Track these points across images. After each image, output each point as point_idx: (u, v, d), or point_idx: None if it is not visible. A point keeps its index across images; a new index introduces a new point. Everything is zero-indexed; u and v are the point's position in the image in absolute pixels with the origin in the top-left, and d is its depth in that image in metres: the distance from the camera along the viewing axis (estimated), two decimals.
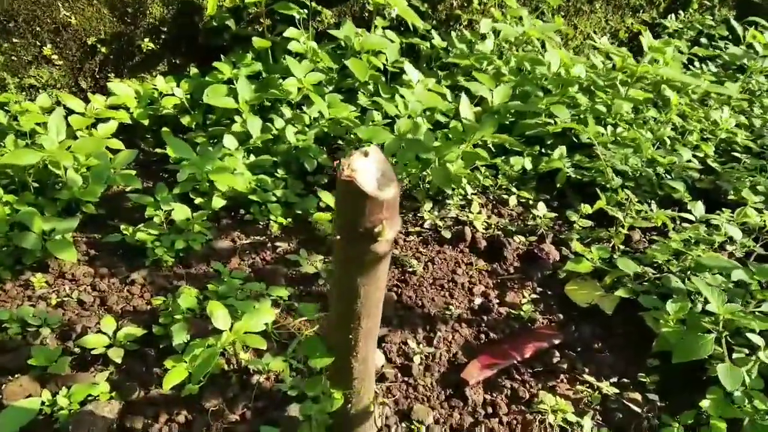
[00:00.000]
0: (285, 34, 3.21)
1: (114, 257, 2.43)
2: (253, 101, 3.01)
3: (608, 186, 3.00)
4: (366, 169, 1.06)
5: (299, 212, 2.77)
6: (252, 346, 1.88)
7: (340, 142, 3.26)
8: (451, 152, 2.84)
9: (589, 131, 3.02)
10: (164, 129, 3.06)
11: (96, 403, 1.73)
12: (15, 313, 2.00)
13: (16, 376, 1.81)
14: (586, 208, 2.80)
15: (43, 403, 1.70)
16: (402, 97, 3.04)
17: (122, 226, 2.49)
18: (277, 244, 2.61)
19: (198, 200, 2.66)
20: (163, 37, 3.24)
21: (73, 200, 2.52)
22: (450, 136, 3.05)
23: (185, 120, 3.10)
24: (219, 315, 1.84)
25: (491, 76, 3.43)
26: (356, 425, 1.63)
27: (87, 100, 3.07)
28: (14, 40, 2.90)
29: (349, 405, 1.52)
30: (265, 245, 2.60)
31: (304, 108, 3.17)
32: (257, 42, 3.15)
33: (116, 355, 1.90)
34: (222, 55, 3.25)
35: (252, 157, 2.90)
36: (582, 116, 3.38)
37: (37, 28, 2.92)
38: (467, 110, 3.11)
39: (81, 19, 2.99)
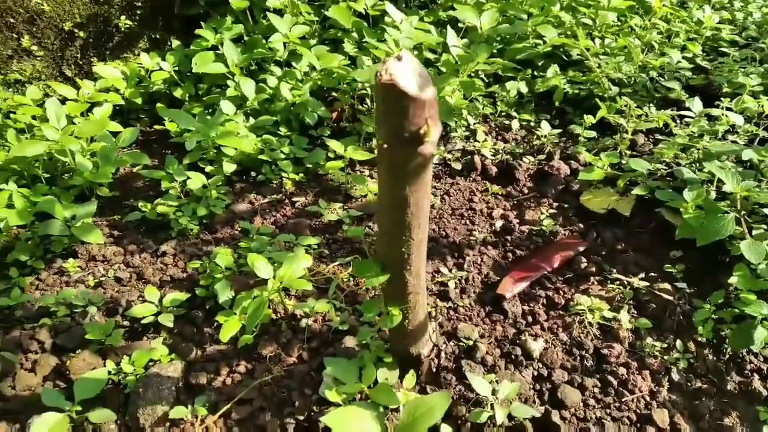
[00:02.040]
0: None
1: (138, 234, 2.49)
2: (242, 63, 3.03)
3: (606, 96, 3.08)
4: (403, 72, 1.11)
5: (309, 166, 2.83)
6: (298, 289, 1.97)
7: (333, 93, 3.30)
8: (448, 84, 2.90)
9: (580, 45, 3.08)
10: (159, 105, 3.08)
11: (159, 366, 1.82)
12: (59, 297, 2.07)
13: (77, 352, 1.89)
14: (589, 119, 2.88)
15: (109, 373, 1.79)
16: (390, 37, 3.07)
17: (140, 204, 2.54)
18: (294, 199, 2.68)
19: (208, 168, 2.70)
20: (138, 12, 3.23)
21: (86, 185, 2.55)
22: (444, 69, 3.09)
23: (177, 93, 3.11)
24: (261, 265, 1.92)
25: (473, 6, 3.45)
26: (414, 341, 1.74)
27: (77, 87, 3.07)
28: None
29: (407, 321, 1.62)
30: (282, 202, 2.67)
31: (293, 64, 3.19)
32: (235, 3, 3.15)
33: (167, 320, 1.98)
34: (202, 23, 3.24)
35: (251, 120, 2.94)
36: (568, 34, 3.43)
37: (11, 20, 2.90)
38: (455, 42, 3.15)
39: (54, 4, 2.96)
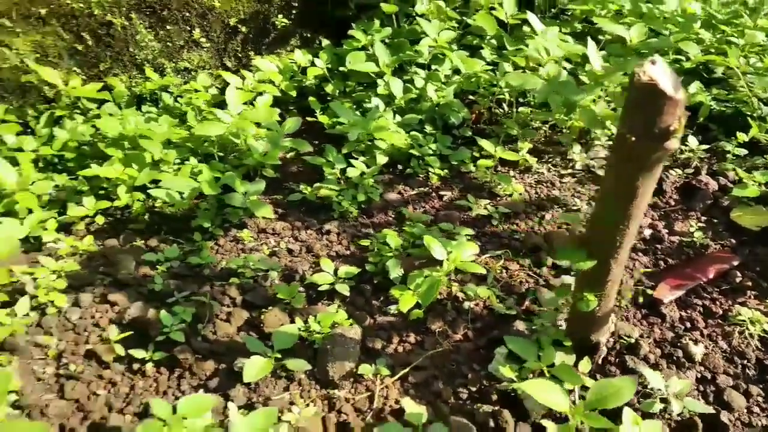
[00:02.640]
0: None
1: (300, 213, 2.71)
2: (393, 64, 3.25)
3: (755, 115, 3.09)
4: (659, 74, 1.26)
5: (455, 163, 3.00)
6: (470, 272, 2.13)
7: (470, 96, 3.47)
8: (592, 94, 3.00)
9: (729, 62, 3.12)
10: (311, 98, 3.34)
11: (342, 328, 2.01)
12: (246, 261, 2.31)
13: (269, 308, 2.11)
14: (741, 137, 2.91)
15: (299, 329, 1.99)
16: (538, 45, 3.21)
17: (301, 187, 2.78)
18: (441, 192, 2.84)
19: (360, 159, 2.91)
20: (294, 12, 3.52)
21: (255, 166, 2.81)
22: (587, 79, 3.20)
23: (328, 88, 3.36)
24: (436, 248, 2.08)
25: (611, 19, 3.56)
26: (597, 327, 1.85)
27: (242, 78, 3.38)
28: (168, 27, 3.22)
29: (597, 307, 1.73)
30: (429, 195, 2.84)
31: (435, 67, 3.39)
32: (385, 7, 3.38)
33: (343, 289, 2.17)
34: (353, 24, 3.50)
35: (397, 117, 3.14)
36: (711, 51, 3.47)
37: (187, 14, 3.24)
38: (595, 54, 3.25)
39: (223, 1, 3.28)
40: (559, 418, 1.78)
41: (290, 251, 2.47)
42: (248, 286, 2.23)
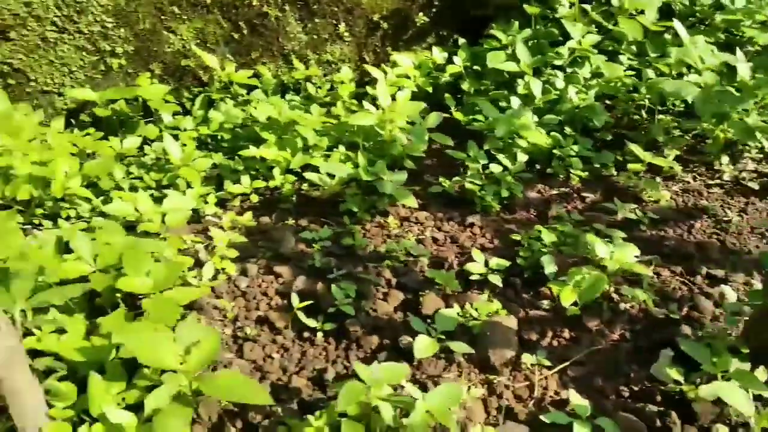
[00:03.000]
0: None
1: (440, 205, 2.79)
2: (533, 65, 3.28)
3: None
4: None
5: (597, 166, 2.99)
6: (626, 274, 2.13)
7: (607, 101, 3.45)
8: (746, 105, 2.92)
9: None
10: (447, 95, 3.42)
11: (499, 317, 2.06)
12: (398, 246, 2.40)
13: (426, 292, 2.19)
14: None
15: (457, 314, 2.05)
16: (691, 52, 3.15)
17: (441, 179, 2.85)
18: (584, 194, 2.84)
19: (499, 156, 2.95)
20: (434, 10, 3.61)
21: (398, 157, 2.91)
22: (733, 90, 3.11)
23: (464, 85, 3.43)
24: (599, 247, 2.10)
25: (762, 29, 3.44)
26: None
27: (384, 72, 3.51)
28: (316, 20, 3.39)
29: None
30: (570, 196, 2.85)
31: (576, 69, 3.39)
32: (529, 9, 3.42)
33: (496, 280, 2.22)
34: (492, 24, 3.55)
35: (535, 117, 3.16)
36: None
37: (335, 8, 3.39)
38: (744, 64, 3.16)
39: None
40: (730, 425, 1.75)
41: (435, 240, 2.55)
42: (401, 270, 2.32)
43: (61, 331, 1.72)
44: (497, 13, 3.66)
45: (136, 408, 1.53)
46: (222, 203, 2.80)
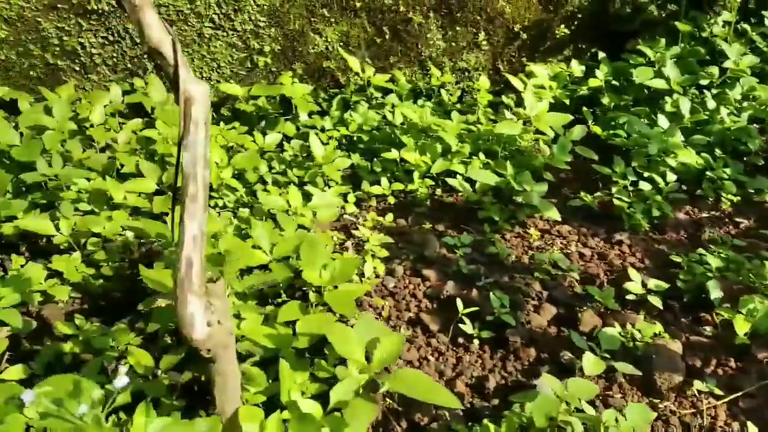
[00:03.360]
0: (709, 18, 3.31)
1: (581, 219, 2.73)
2: (683, 83, 3.16)
3: None
4: None
5: (750, 191, 2.84)
6: None
7: (756, 125, 3.27)
8: None
9: None
10: (585, 109, 3.35)
11: (663, 339, 1.98)
12: (549, 257, 2.37)
13: (583, 308, 2.14)
14: None
15: (620, 333, 1.99)
16: None
17: (582, 194, 2.79)
18: (737, 219, 2.71)
19: (645, 174, 2.86)
20: (575, 23, 3.55)
21: (539, 168, 2.87)
22: None
23: (604, 100, 3.35)
24: None
25: None
26: None
27: (506, 82, 3.50)
28: (457, 28, 3.41)
29: None
30: (722, 220, 2.72)
31: (726, 90, 3.23)
32: (681, 26, 3.30)
33: (656, 301, 2.14)
34: (630, 39, 3.46)
35: (682, 137, 3.04)
36: None
37: (477, 17, 3.40)
38: None
39: (513, 8, 3.41)
40: None
41: (582, 255, 2.49)
42: (549, 283, 2.28)
43: (237, 316, 1.80)
44: (641, 29, 3.56)
45: (316, 398, 1.57)
46: (358, 203, 2.85)
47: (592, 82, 3.33)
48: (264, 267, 2.03)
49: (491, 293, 2.11)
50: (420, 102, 3.47)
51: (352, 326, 1.62)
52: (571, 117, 2.93)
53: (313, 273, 1.77)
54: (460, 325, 1.99)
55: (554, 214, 2.61)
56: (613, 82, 3.47)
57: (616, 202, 2.67)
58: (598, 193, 2.79)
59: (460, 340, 2.02)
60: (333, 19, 3.25)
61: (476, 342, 2.00)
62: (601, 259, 2.47)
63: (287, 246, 1.92)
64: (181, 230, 1.27)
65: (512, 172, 2.62)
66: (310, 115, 3.30)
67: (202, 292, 1.26)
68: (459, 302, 1.96)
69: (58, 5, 2.95)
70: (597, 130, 3.19)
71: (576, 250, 2.52)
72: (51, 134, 2.55)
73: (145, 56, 3.17)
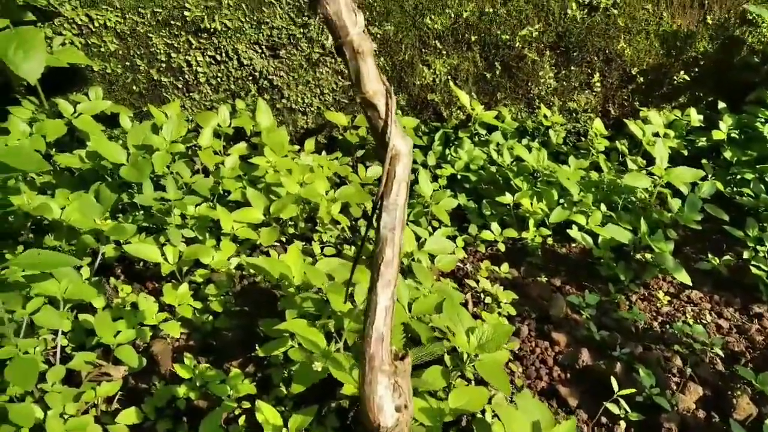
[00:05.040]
0: None
1: (711, 286, 2.55)
2: None
3: None
4: None
5: None
6: None
7: None
8: None
9: None
10: (703, 161, 3.18)
11: None
12: (681, 328, 2.20)
13: (735, 392, 1.97)
14: None
15: None
16: None
17: (709, 256, 2.62)
18: None
19: None
20: (696, 69, 3.39)
21: (666, 224, 2.71)
22: None
23: (727, 154, 3.17)
24: None
25: None
26: None
27: (615, 125, 3.36)
28: (571, 67, 3.29)
29: None
30: None
31: None
32: None
33: None
34: (753, 89, 3.29)
35: None
36: None
37: (594, 58, 3.27)
38: None
39: (633, 51, 3.27)
40: None
41: (719, 328, 2.32)
42: (690, 358, 2.11)
43: None
44: (766, 80, 3.38)
45: None
46: (465, 247, 2.73)
47: (716, 135, 3.15)
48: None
49: (639, 369, 1.95)
50: (525, 141, 3.34)
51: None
52: (702, 173, 2.77)
53: (461, 338, 1.65)
54: (611, 406, 1.83)
55: (685, 278, 2.44)
56: (732, 134, 3.29)
57: (753, 270, 2.49)
58: (727, 257, 2.61)
59: (603, 419, 1.87)
60: (444, 52, 3.16)
61: (623, 424, 1.85)
62: (741, 334, 2.29)
63: (428, 303, 1.80)
64: (372, 298, 1.16)
65: (646, 229, 2.47)
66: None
67: (391, 371, 1.15)
68: (614, 382, 1.80)
69: (172, 22, 2.93)
70: (719, 185, 3.01)
71: (712, 321, 2.34)
72: (160, 155, 2.51)
73: (250, 78, 3.13)
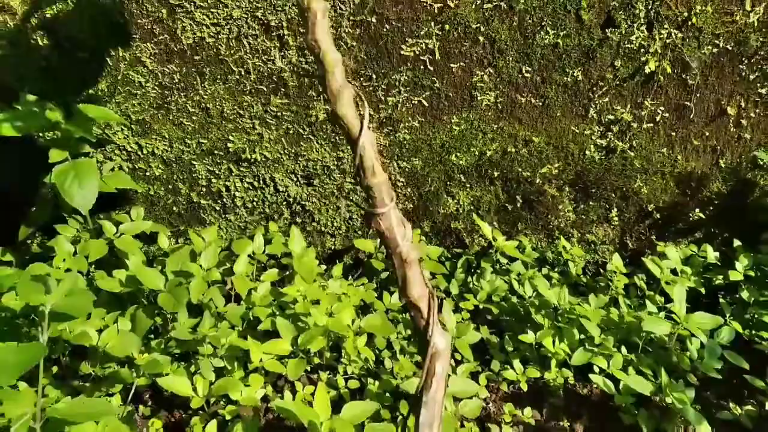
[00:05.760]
0: None
1: None
2: None
3: None
4: None
5: None
6: None
7: None
8: None
9: None
10: (721, 300, 3.21)
11: None
12: None
13: None
14: None
15: None
16: None
17: (731, 404, 2.61)
18: None
19: None
20: (711, 208, 3.50)
21: (686, 369, 2.72)
22: None
23: (744, 294, 3.21)
24: None
25: None
26: None
27: (633, 257, 3.43)
28: (590, 203, 3.40)
29: None
30: None
31: None
32: None
33: None
34: None
35: None
36: None
37: (611, 194, 3.39)
38: None
39: (650, 189, 3.39)
40: None
41: None
42: None
43: None
44: None
45: None
46: (487, 384, 2.75)
47: (733, 275, 3.20)
48: None
49: None
50: (545, 270, 3.42)
51: None
52: (721, 320, 2.80)
53: None
54: None
55: (707, 430, 2.42)
56: (749, 272, 3.34)
57: None
58: (749, 407, 2.60)
59: None
60: (468, 185, 3.31)
61: None
62: None
63: None
64: None
65: (667, 380, 2.48)
66: (433, 275, 3.29)
67: None
68: None
69: (215, 152, 3.12)
70: (737, 326, 3.03)
71: None
72: (197, 284, 2.60)
73: (284, 203, 3.28)
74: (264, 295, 2.73)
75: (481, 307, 3.11)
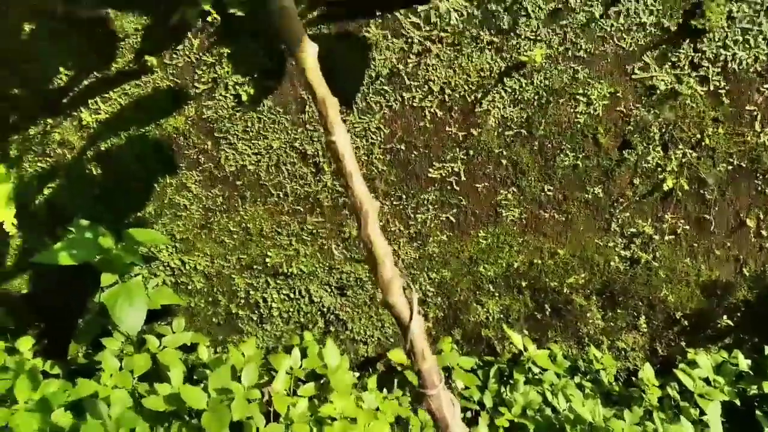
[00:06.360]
0: None
1: None
2: None
3: None
4: None
5: None
6: None
7: None
8: None
9: None
10: (758, 412, 3.18)
11: None
12: None
13: None
14: None
15: None
16: None
17: None
18: None
19: None
20: (738, 315, 3.52)
21: None
22: None
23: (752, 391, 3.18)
24: None
25: None
26: None
27: (664, 363, 3.42)
28: (617, 311, 3.45)
29: None
30: None
31: None
32: None
33: None
34: None
35: None
36: None
37: (638, 303, 3.44)
38: None
39: (676, 297, 3.43)
40: None
41: None
42: None
43: None
44: None
45: None
46: None
47: (767, 386, 3.19)
48: None
49: None
50: (577, 379, 3.42)
51: None
52: None
53: None
54: None
55: None
56: None
57: None
58: None
59: None
60: (497, 294, 3.39)
61: None
62: None
63: None
64: None
65: None
66: (466, 387, 3.32)
67: None
68: None
69: (254, 266, 3.26)
70: None
71: None
72: (239, 404, 2.67)
73: (319, 313, 3.38)
74: (302, 413, 2.78)
75: (515, 421, 3.11)
